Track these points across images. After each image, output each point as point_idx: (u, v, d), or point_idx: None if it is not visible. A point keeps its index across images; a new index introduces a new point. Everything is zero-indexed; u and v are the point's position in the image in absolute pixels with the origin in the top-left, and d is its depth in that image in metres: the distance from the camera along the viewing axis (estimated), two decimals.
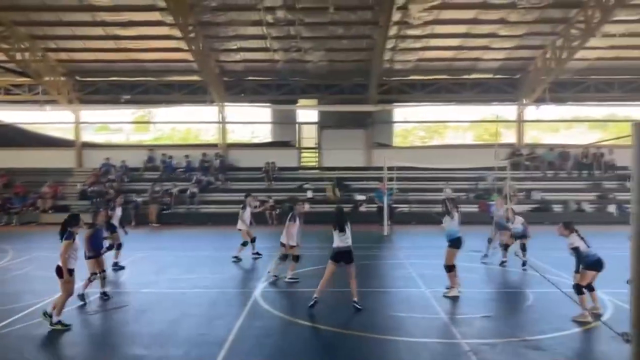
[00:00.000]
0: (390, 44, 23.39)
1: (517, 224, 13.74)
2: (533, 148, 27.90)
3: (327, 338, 8.76)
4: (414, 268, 13.82)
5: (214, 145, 28.75)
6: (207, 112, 28.89)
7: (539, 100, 26.57)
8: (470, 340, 8.41)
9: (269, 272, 12.80)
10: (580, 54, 23.00)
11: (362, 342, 8.52)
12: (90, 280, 10.41)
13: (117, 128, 33.03)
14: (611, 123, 30.59)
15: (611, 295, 10.37)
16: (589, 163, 26.94)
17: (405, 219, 23.16)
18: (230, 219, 17.06)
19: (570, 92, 27.21)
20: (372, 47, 23.68)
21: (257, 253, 15.21)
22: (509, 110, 28.78)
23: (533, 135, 29.75)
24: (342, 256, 9.95)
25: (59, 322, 8.80)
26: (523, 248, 13.80)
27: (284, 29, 22.78)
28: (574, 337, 8.44)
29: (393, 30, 22.19)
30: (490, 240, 14.59)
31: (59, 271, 8.88)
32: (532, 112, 28.01)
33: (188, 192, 25.38)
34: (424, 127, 32.07)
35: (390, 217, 21.09)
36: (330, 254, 10.08)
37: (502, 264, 13.84)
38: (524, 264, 13.49)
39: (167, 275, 13.24)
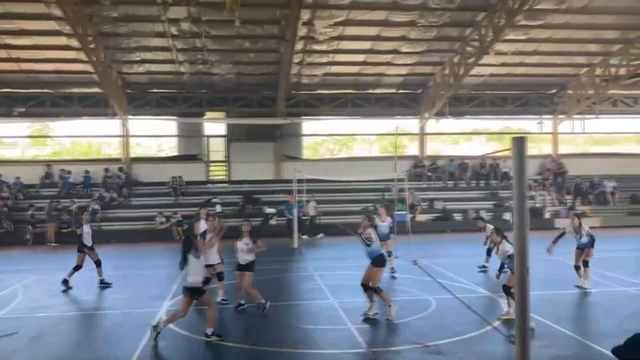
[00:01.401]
0: (297, 58, 23.67)
1: (585, 237, 12.66)
2: (434, 159, 29.15)
3: (236, 355, 8.65)
4: (322, 279, 13.96)
5: (118, 160, 27.71)
6: (110, 125, 27.82)
7: (439, 114, 27.82)
8: (376, 349, 8.62)
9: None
10: (475, 70, 24.36)
11: (271, 357, 8.49)
12: None
13: (11, 142, 31.00)
14: (506, 135, 32.57)
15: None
16: (486, 173, 28.51)
17: (316, 230, 23.39)
18: (134, 236, 16.48)
19: (468, 106, 28.72)
20: (280, 61, 23.85)
21: None
22: (411, 124, 29.94)
23: (435, 147, 31.10)
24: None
25: None
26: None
27: (189, 41, 22.44)
28: (473, 340, 8.84)
29: (299, 45, 22.49)
30: (577, 268, 12.80)
31: None
32: (433, 125, 29.29)
33: (90, 208, 24.21)
34: (333, 139, 32.64)
35: (300, 230, 21.23)
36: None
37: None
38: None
39: (65, 297, 12.55)
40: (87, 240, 13.48)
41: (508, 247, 9.93)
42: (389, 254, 14.43)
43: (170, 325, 9.94)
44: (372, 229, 10.30)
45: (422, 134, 29.53)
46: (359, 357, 8.36)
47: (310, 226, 23.72)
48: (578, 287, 12.48)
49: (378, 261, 10.15)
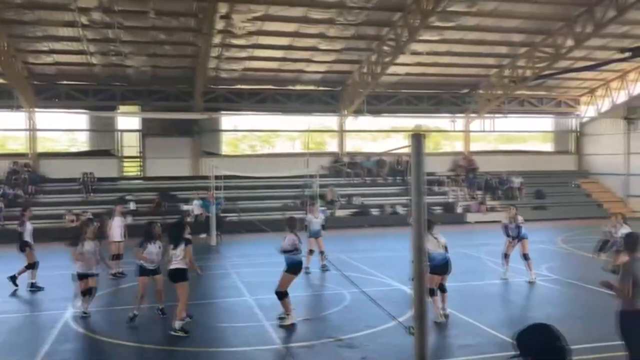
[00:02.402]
0: (215, 52, 23.24)
1: (517, 227, 13.22)
2: (353, 156, 29.58)
3: (146, 356, 8.41)
4: (239, 277, 13.85)
5: (24, 155, 26.15)
6: (15, 118, 26.19)
7: (358, 112, 28.26)
8: (289, 345, 8.64)
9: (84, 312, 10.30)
10: (392, 69, 24.89)
11: (182, 356, 8.32)
12: None
13: None
14: (423, 133, 33.52)
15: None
16: (402, 169, 29.26)
17: (235, 228, 23.13)
18: (41, 235, 15.63)
19: (385, 105, 29.33)
20: (197, 55, 23.35)
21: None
22: (331, 121, 30.23)
23: (354, 144, 31.56)
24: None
25: None
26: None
27: (101, 32, 21.47)
28: (383, 333, 9.04)
29: (217, 39, 22.09)
30: (506, 256, 13.38)
31: None
32: (352, 122, 29.71)
33: None
34: (254, 135, 32.36)
35: (219, 227, 20.91)
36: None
37: None
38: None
39: None
40: (28, 237, 13.09)
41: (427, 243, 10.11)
42: (321, 252, 14.47)
43: (75, 327, 9.53)
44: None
45: (342, 131, 29.89)
46: (272, 354, 8.35)
47: (195, 225, 21.68)
48: (503, 279, 13.09)
49: (293, 268, 9.78)
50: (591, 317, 9.95)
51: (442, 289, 9.94)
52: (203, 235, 21.11)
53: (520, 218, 13.41)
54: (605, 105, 30.52)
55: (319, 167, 16.39)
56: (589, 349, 8.00)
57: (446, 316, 9.84)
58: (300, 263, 9.94)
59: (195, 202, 23.66)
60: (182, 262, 9.30)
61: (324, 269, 14.34)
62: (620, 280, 6.50)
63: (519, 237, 13.14)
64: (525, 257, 13.02)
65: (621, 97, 29.58)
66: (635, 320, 6.41)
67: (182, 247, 9.30)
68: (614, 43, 23.73)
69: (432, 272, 9.62)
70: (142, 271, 9.93)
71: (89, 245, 10.39)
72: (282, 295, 9.64)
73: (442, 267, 9.69)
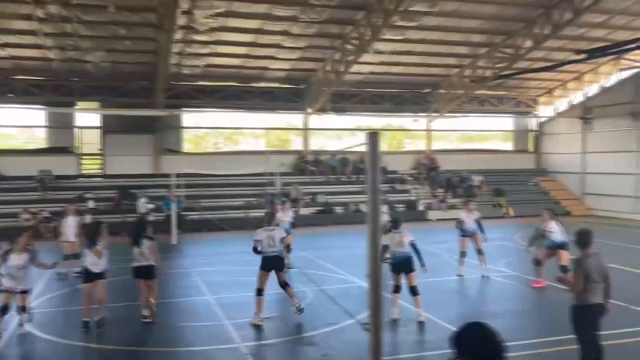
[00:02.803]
0: (176, 48, 22.92)
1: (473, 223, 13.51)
2: (318, 154, 29.60)
3: (107, 357, 8.24)
4: (200, 276, 13.70)
5: None
6: None
7: (322, 110, 28.29)
8: (250, 344, 8.60)
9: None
10: (355, 68, 25.00)
11: (143, 357, 8.19)
12: None
13: None
14: (388, 132, 33.77)
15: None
16: (365, 168, 29.38)
17: (196, 227, 22.90)
18: None
19: (349, 103, 29.44)
20: (158, 51, 22.98)
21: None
22: (296, 119, 30.20)
23: (319, 143, 31.59)
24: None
25: None
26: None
27: (59, 26, 20.91)
28: (344, 330, 9.07)
29: (179, 35, 21.78)
30: (464, 254, 13.51)
31: None
32: (316, 120, 29.71)
33: None
34: (217, 133, 32.06)
35: (180, 226, 20.67)
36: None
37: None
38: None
39: None
40: (72, 233, 13.15)
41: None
42: (288, 249, 13.91)
43: (30, 329, 9.29)
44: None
45: (306, 129, 29.88)
46: (232, 353, 8.29)
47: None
48: (459, 275, 13.29)
49: (262, 263, 9.84)
50: (545, 312, 10.21)
51: (414, 293, 9.64)
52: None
53: (477, 214, 13.73)
54: (563, 105, 31.32)
55: (280, 165, 16.33)
56: (542, 343, 8.21)
57: (421, 322, 9.46)
58: (265, 259, 9.83)
59: (143, 200, 23.31)
60: (151, 260, 9.37)
61: (287, 267, 14.24)
62: (572, 275, 6.69)
63: (474, 232, 13.42)
64: (480, 252, 13.28)
65: (578, 98, 30.42)
66: (586, 314, 6.60)
67: (146, 244, 9.25)
68: (571, 45, 24.36)
69: (394, 270, 9.71)
70: (87, 277, 9.36)
71: (17, 260, 9.01)
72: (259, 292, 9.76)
73: (402, 265, 9.72)
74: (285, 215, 14.90)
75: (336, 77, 25.24)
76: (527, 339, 8.26)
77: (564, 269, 10.95)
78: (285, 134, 32.24)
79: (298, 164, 28.89)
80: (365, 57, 24.13)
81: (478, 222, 13.55)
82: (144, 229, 9.70)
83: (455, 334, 2.81)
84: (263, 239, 9.69)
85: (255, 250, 9.70)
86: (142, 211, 22.66)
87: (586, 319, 6.60)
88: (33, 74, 25.24)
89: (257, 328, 9.30)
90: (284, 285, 9.92)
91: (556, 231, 11.80)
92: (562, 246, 11.65)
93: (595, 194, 29.42)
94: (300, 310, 9.76)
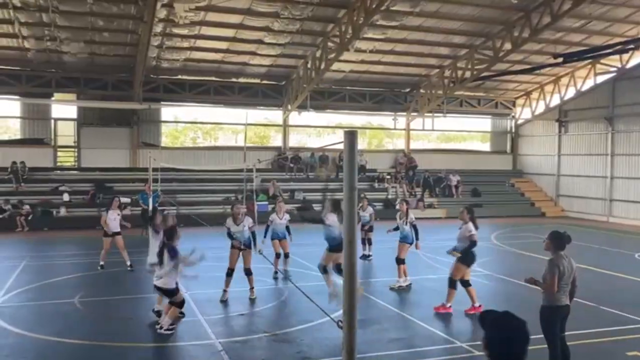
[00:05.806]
0: (156, 41, 22.67)
1: (408, 225, 12.14)
2: (297, 151, 29.57)
3: (80, 353, 8.13)
4: None
5: None
6: None
7: (302, 107, 28.25)
8: (224, 340, 8.57)
9: None
10: (336, 66, 25.00)
11: (115, 352, 8.11)
12: None
13: None
14: (368, 130, 33.90)
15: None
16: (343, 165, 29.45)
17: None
18: None
19: (329, 101, 29.46)
20: (137, 43, 22.70)
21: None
22: (276, 115, 30.12)
23: (299, 139, 31.57)
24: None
25: None
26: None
27: (35, 15, 20.54)
28: (319, 327, 9.10)
29: (159, 27, 21.54)
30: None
31: None
32: (296, 117, 29.67)
33: None
34: (196, 127, 31.81)
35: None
36: None
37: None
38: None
39: None
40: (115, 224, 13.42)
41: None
42: (286, 255, 13.41)
43: (2, 323, 9.15)
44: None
45: (286, 126, 29.82)
46: (206, 349, 8.25)
47: None
48: (396, 287, 11.99)
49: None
50: (518, 311, 10.32)
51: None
52: None
53: (412, 216, 12.19)
54: (539, 107, 31.73)
55: (257, 161, 16.13)
56: None
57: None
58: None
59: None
60: None
61: (286, 273, 13.52)
62: (547, 276, 6.73)
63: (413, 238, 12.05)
64: (401, 261, 12.05)
65: (555, 100, 30.83)
66: (554, 315, 6.72)
67: None
68: (548, 48, 24.69)
69: (331, 250, 9.76)
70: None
71: None
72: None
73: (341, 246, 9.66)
74: (280, 217, 13.47)
75: (316, 75, 25.20)
76: None
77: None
78: (265, 130, 32.17)
79: (277, 160, 28.83)
80: (346, 55, 24.16)
81: (414, 226, 12.14)
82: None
83: (497, 316, 3.12)
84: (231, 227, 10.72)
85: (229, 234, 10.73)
86: None
87: (556, 319, 6.72)
88: (8, 64, 24.72)
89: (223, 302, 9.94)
90: (248, 272, 10.77)
91: (474, 232, 10.41)
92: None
93: (568, 196, 29.92)
94: (251, 300, 10.62)
